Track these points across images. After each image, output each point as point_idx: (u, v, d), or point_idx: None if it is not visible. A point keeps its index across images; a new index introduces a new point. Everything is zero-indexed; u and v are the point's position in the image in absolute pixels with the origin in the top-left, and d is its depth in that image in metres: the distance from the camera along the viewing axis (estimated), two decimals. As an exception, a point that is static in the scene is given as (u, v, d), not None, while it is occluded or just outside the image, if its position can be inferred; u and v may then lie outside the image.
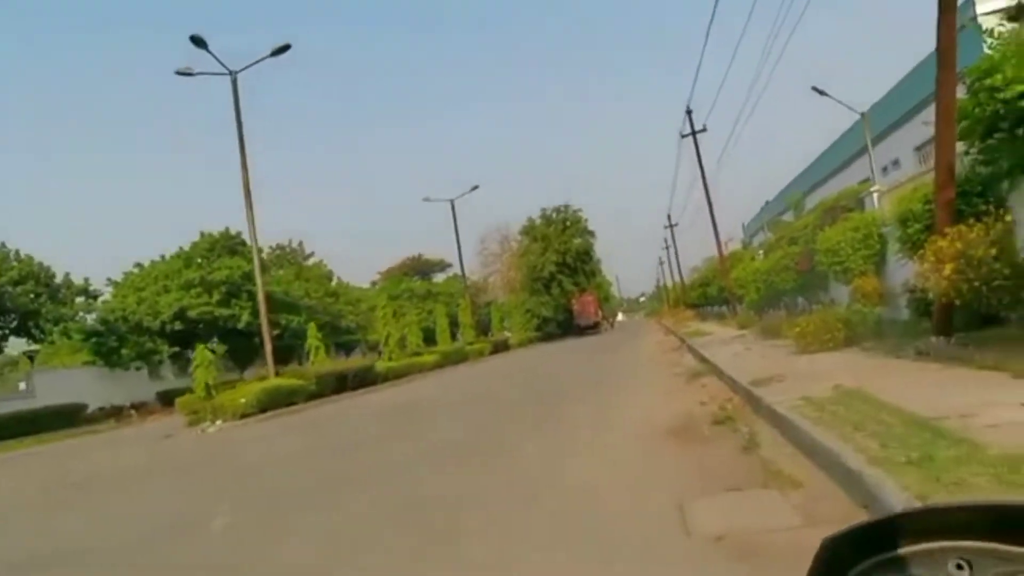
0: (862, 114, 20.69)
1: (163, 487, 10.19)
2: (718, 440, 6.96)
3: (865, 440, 4.92)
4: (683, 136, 29.10)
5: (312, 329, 28.70)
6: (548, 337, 56.68)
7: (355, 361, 34.72)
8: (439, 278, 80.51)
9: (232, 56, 23.43)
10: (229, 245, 37.56)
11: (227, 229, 37.99)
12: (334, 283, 56.88)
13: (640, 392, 11.95)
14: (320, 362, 27.81)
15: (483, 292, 71.53)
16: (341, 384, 25.35)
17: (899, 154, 28.76)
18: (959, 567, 0.56)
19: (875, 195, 14.91)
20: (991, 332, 8.38)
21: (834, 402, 6.52)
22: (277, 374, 23.55)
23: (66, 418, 28.33)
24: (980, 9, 17.75)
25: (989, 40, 9.22)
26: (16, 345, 31.40)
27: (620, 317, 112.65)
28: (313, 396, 23.09)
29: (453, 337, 46.33)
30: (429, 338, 43.59)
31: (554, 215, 61.84)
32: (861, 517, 3.44)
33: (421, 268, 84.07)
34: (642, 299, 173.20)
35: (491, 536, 4.98)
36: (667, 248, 74.63)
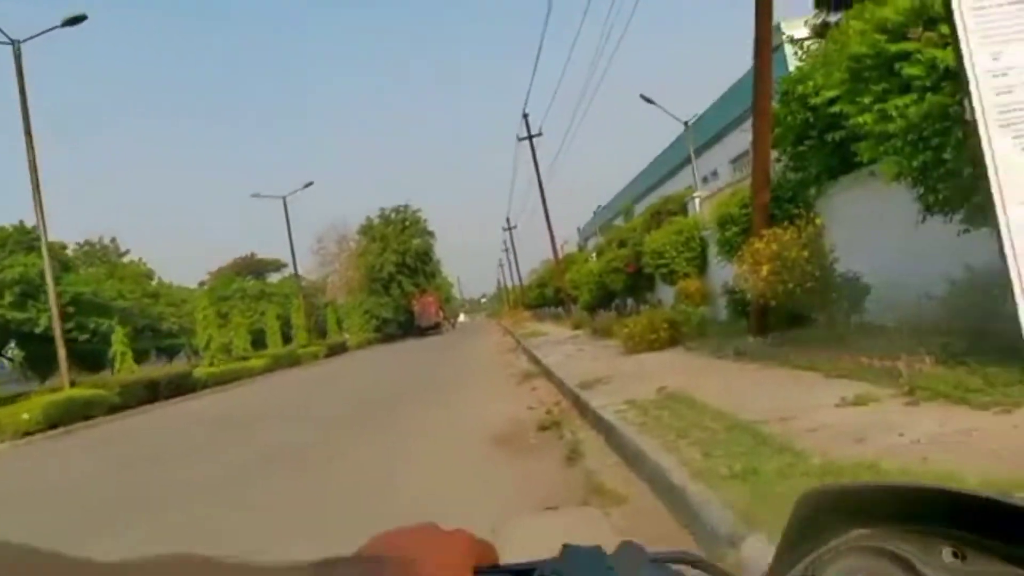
0: (686, 123, 21.72)
1: None
2: (543, 449, 6.59)
3: (688, 449, 4.67)
4: (520, 139, 29.25)
5: (118, 333, 25.86)
6: (388, 338, 55.46)
7: (167, 368, 31.79)
8: (275, 279, 76.25)
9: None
10: (25, 241, 32.97)
11: (22, 223, 33.39)
12: (155, 283, 51.91)
13: (472, 396, 11.48)
14: (128, 369, 25.09)
15: (321, 293, 68.80)
16: (152, 393, 22.95)
17: (717, 165, 30.66)
18: (955, 555, 0.51)
19: (697, 200, 15.48)
20: (802, 332, 8.68)
21: (658, 406, 6.33)
22: (74, 384, 20.80)
23: None
24: (787, 35, 19.10)
25: (799, 52, 9.65)
26: None
27: (462, 318, 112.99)
28: (117, 408, 20.66)
29: (287, 340, 43.90)
30: (262, 341, 40.99)
31: (393, 215, 60.76)
32: (686, 538, 2.93)
33: (255, 268, 79.19)
34: (484, 300, 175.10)
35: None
36: (506, 250, 75.61)
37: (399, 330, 57.62)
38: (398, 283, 57.94)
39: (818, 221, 7.69)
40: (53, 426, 17.79)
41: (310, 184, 48.47)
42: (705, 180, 30.40)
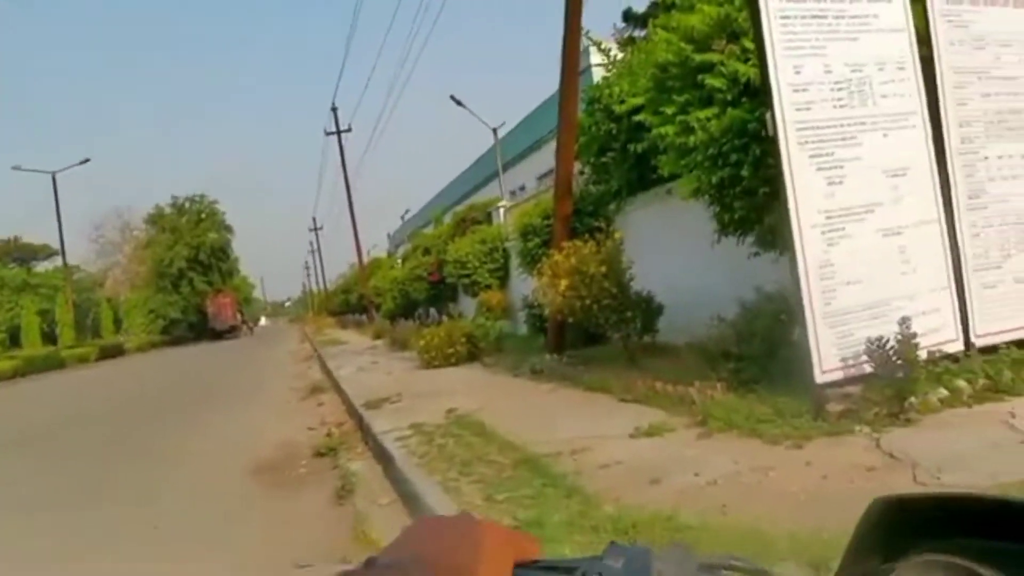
0: (494, 130, 21.54)
1: None
2: (313, 481, 5.69)
3: (470, 489, 4.04)
4: (328, 134, 27.72)
5: None
6: (177, 341, 50.43)
7: None
8: (45, 267, 66.54)
9: None
10: None
11: None
12: None
13: (250, 412, 10.16)
14: None
15: (100, 287, 61.21)
16: None
17: (525, 180, 31.13)
18: None
19: (502, 210, 15.23)
20: (596, 350, 8.50)
21: (445, 432, 5.67)
22: None
23: None
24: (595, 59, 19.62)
25: (606, 62, 9.58)
26: None
27: (263, 321, 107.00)
28: None
29: (52, 339, 38.34)
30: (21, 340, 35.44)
31: (187, 205, 55.49)
32: None
33: (20, 254, 68.71)
34: (288, 304, 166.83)
35: None
36: (312, 252, 72.23)
37: (190, 332, 52.66)
38: (189, 280, 52.91)
39: (617, 236, 7.49)
40: None
41: (86, 161, 43.10)
42: (513, 194, 30.72)
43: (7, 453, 9.16)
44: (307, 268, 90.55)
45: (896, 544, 0.54)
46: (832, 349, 4.19)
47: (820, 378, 4.15)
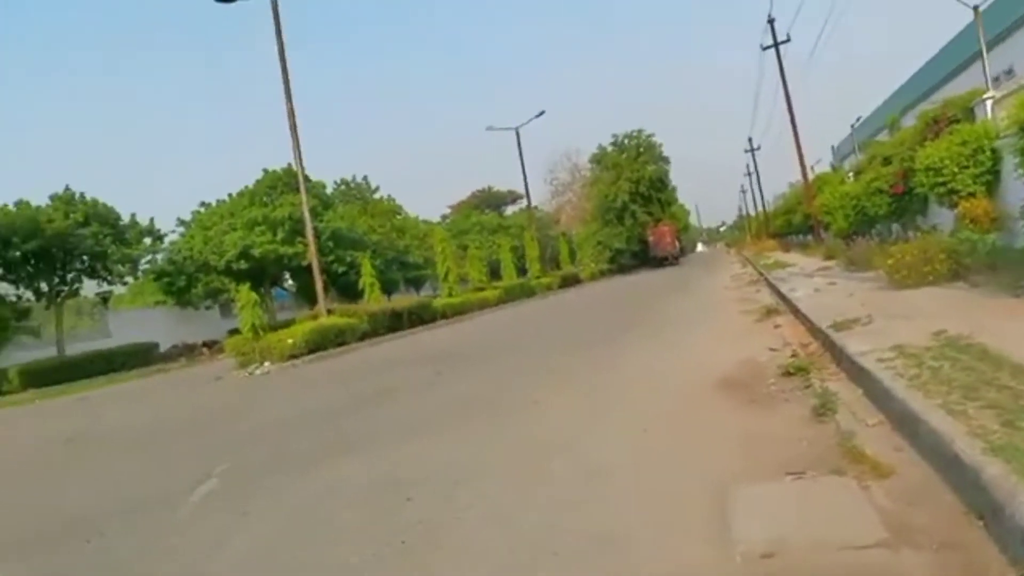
0: (975, 8, 17.83)
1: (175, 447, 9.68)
2: (784, 399, 5.73)
3: (980, 413, 3.64)
4: (764, 48, 26.46)
5: (366, 265, 28.07)
6: (622, 269, 55.05)
7: (409, 299, 34.23)
8: (511, 210, 79.20)
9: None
10: (292, 182, 37.02)
11: (289, 166, 37.51)
12: (400, 218, 56.16)
13: (703, 333, 10.66)
14: (375, 299, 27.25)
15: (554, 224, 70.03)
16: (396, 322, 24.65)
17: (1014, 61, 25.32)
18: None
19: (988, 103, 12.67)
20: None
21: (936, 355, 5.15)
22: (330, 312, 23.06)
23: (140, 356, 28.86)
24: None
25: None
26: (88, 287, 31.44)
27: (700, 248, 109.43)
28: (367, 335, 22.46)
29: (521, 271, 45.43)
30: (498, 273, 42.89)
31: (626, 141, 59.05)
32: (973, 529, 2.13)
33: (491, 200, 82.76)
34: (723, 229, 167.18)
35: (463, 549, 3.89)
36: (749, 174, 70.72)
37: (633, 261, 56.82)
38: (631, 213, 56.67)
39: None
40: (312, 350, 19.66)
41: (542, 113, 49.17)
42: (997, 80, 25.30)
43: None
44: (743, 191, 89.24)
45: None
46: None
47: None
